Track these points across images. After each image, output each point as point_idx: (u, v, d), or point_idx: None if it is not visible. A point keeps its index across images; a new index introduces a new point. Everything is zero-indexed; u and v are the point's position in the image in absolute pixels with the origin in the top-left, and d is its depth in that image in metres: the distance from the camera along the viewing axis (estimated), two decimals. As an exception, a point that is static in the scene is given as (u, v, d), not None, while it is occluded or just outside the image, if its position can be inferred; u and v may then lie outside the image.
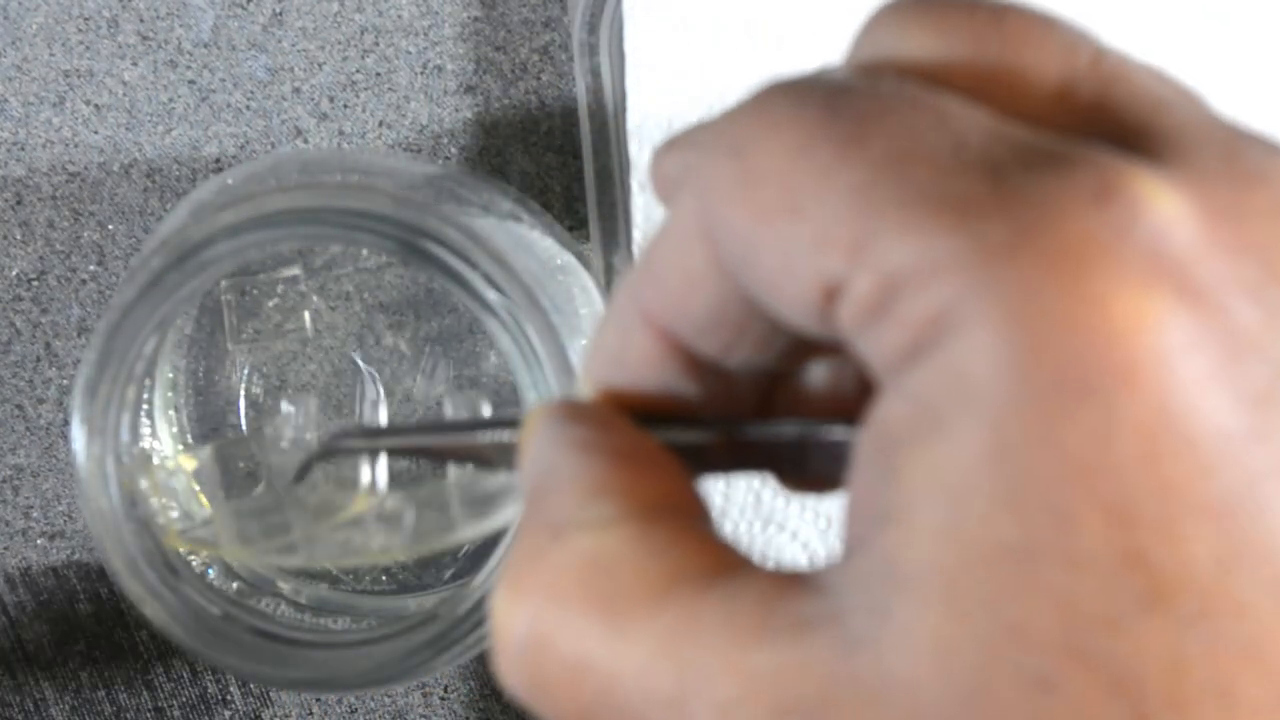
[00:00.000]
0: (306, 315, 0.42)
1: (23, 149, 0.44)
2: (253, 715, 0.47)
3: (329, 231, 0.34)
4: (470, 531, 0.32)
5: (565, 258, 0.38)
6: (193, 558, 0.37)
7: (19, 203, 0.44)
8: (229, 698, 0.47)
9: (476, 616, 0.35)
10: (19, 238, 0.45)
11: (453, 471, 0.32)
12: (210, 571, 0.38)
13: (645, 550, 0.17)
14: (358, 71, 0.44)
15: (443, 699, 0.47)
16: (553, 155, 0.44)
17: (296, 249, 0.41)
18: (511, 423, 0.22)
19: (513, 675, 0.17)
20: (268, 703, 0.47)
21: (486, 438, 0.22)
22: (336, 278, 0.42)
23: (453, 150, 0.44)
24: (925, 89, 0.16)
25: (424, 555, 0.37)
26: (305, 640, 0.37)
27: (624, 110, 0.41)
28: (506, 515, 0.33)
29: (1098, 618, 0.14)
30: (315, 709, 0.47)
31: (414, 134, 0.44)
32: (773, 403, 0.20)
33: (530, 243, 0.37)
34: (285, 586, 0.40)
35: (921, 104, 0.16)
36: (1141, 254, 0.14)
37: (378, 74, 0.44)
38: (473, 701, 0.47)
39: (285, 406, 0.32)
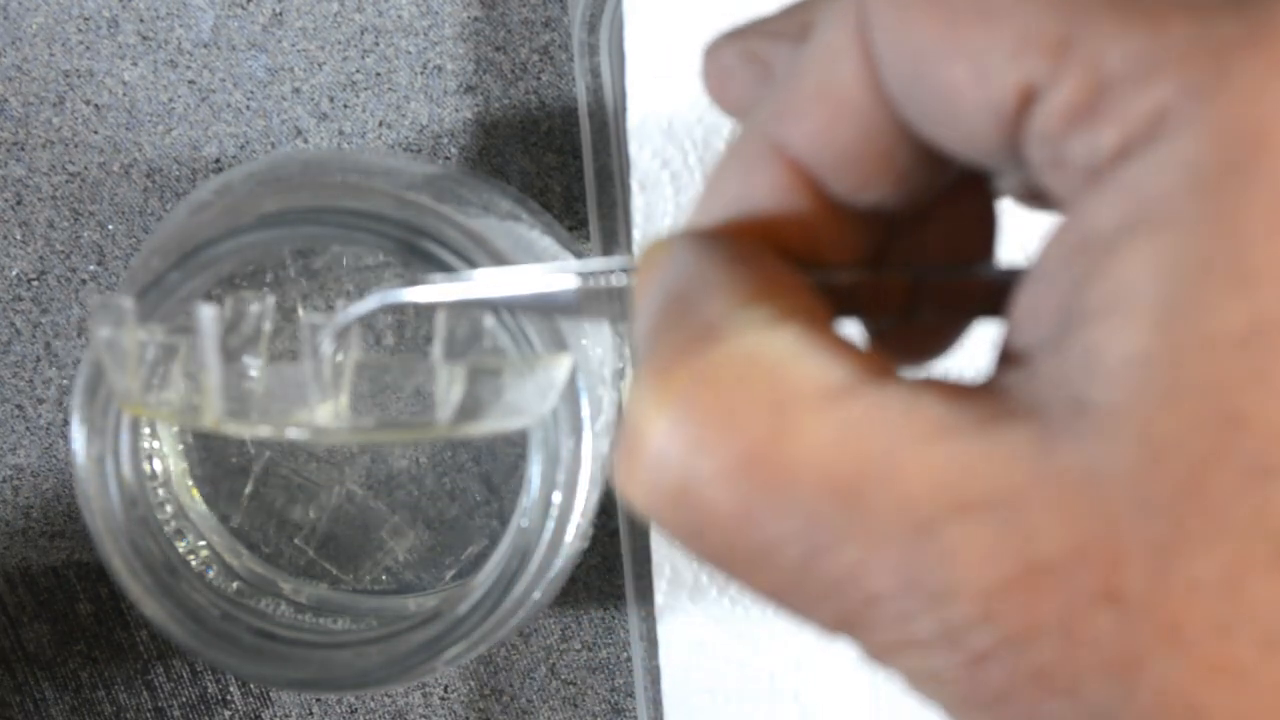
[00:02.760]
0: (304, 314, 0.42)
1: (23, 149, 0.44)
2: (253, 715, 0.47)
3: (329, 231, 0.34)
4: (448, 428, 0.30)
5: (565, 258, 0.38)
6: (192, 557, 0.37)
7: (19, 203, 0.44)
8: (229, 698, 0.47)
9: (477, 616, 0.35)
10: (19, 238, 0.45)
11: (440, 349, 0.31)
12: (210, 571, 0.38)
13: (814, 349, 0.16)
14: (358, 71, 0.44)
15: (443, 699, 0.47)
16: (553, 155, 0.44)
17: (296, 249, 0.41)
18: (618, 266, 0.20)
19: (651, 482, 0.16)
20: (268, 703, 0.47)
21: (586, 279, 0.21)
22: (336, 278, 0.42)
23: (453, 150, 0.44)
24: None
25: (389, 444, 0.35)
26: (305, 640, 0.37)
27: (624, 110, 0.41)
28: (495, 424, 0.31)
29: None
30: (315, 709, 0.47)
31: (414, 134, 0.44)
32: (885, 252, 0.20)
33: (530, 243, 0.37)
34: (285, 586, 0.40)
35: None
36: None
37: (378, 74, 0.44)
38: (473, 701, 0.47)
39: (253, 306, 0.31)
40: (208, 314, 0.29)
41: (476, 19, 0.43)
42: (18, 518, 0.46)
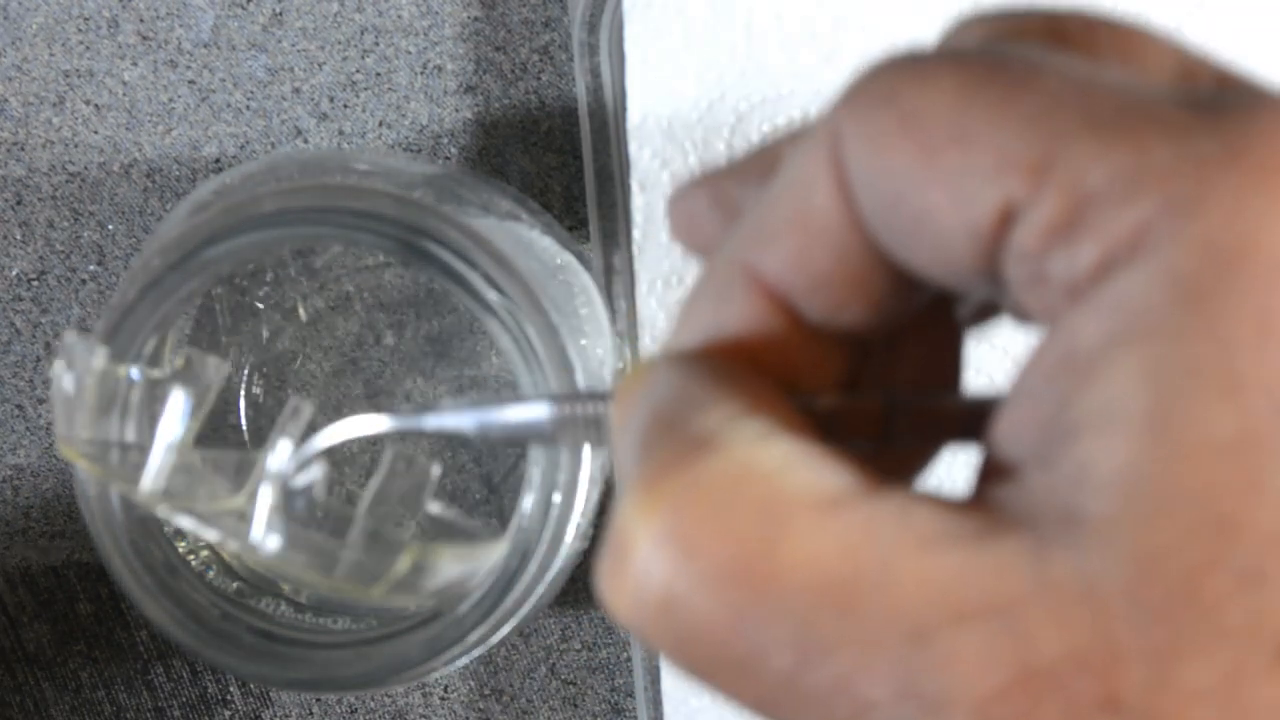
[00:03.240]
0: (304, 314, 0.42)
1: (23, 149, 0.44)
2: (253, 715, 0.47)
3: (329, 231, 0.34)
4: (381, 597, 0.30)
5: (565, 258, 0.38)
6: (192, 557, 0.37)
7: (19, 203, 0.44)
8: (229, 698, 0.47)
9: (476, 616, 0.35)
10: (19, 238, 0.45)
11: (375, 487, 0.30)
12: (210, 571, 0.38)
13: (807, 461, 0.16)
14: (358, 71, 0.44)
15: (443, 699, 0.47)
16: (553, 155, 0.44)
17: (296, 249, 0.41)
18: (599, 395, 0.20)
19: (637, 592, 0.16)
20: (268, 703, 0.47)
21: (561, 408, 0.20)
22: (336, 278, 0.42)
23: (453, 150, 0.44)
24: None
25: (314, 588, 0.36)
26: (305, 640, 0.37)
27: (624, 110, 0.41)
28: (426, 597, 0.31)
29: None
30: (315, 709, 0.47)
31: (414, 134, 0.44)
32: (858, 374, 0.20)
33: (530, 243, 0.37)
34: (285, 586, 0.40)
35: (1078, 59, 0.16)
36: None
37: (378, 74, 0.44)
38: (473, 701, 0.47)
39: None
40: (177, 397, 0.29)
41: (476, 19, 0.43)
42: (18, 518, 0.46)
